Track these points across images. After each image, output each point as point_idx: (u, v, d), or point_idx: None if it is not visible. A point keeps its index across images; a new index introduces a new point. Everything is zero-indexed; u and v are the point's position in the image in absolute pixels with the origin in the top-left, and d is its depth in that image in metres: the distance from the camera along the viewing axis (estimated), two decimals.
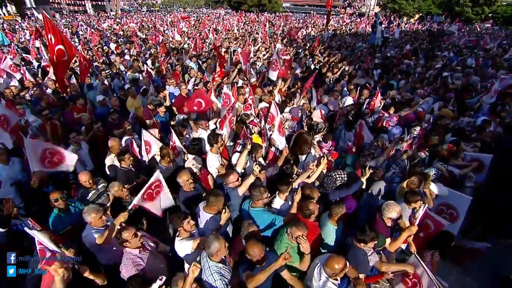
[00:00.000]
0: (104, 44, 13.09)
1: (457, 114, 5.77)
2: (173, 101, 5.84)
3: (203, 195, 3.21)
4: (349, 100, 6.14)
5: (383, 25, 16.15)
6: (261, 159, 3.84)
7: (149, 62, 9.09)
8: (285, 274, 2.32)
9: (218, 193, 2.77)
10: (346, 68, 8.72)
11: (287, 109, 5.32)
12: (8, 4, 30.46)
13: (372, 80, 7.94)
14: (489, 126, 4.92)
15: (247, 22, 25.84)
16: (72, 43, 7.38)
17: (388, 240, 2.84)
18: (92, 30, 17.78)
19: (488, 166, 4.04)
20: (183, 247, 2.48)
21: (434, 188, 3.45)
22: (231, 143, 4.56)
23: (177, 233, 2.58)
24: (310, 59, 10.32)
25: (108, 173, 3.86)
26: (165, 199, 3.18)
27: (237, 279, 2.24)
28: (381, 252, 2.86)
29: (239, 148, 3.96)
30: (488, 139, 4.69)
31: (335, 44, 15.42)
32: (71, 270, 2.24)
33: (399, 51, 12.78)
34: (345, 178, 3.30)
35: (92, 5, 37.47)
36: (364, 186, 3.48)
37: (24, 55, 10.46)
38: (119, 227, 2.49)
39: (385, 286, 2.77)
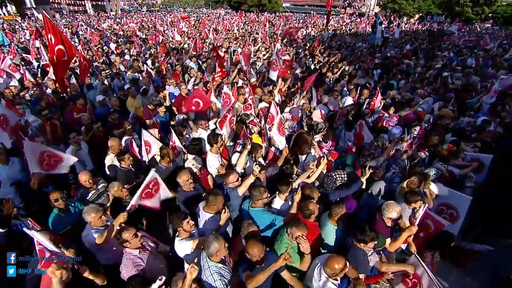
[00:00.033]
0: (104, 44, 13.09)
1: (457, 114, 5.77)
2: (173, 101, 5.85)
3: (203, 195, 3.21)
4: (349, 100, 6.14)
5: (383, 25, 16.14)
6: (261, 159, 3.84)
7: (149, 62, 9.09)
8: (285, 274, 2.32)
9: (217, 193, 2.76)
10: (346, 68, 8.72)
11: (287, 109, 5.32)
12: (8, 4, 30.46)
13: (372, 80, 7.94)
14: (489, 126, 4.92)
15: (247, 22, 25.83)
16: (72, 43, 7.38)
17: (388, 240, 2.84)
18: (92, 30, 17.78)
19: (488, 166, 4.04)
20: (183, 247, 2.48)
21: (434, 188, 3.45)
22: (231, 143, 4.56)
23: (177, 233, 2.58)
24: (310, 59, 10.32)
25: (108, 173, 3.86)
26: (164, 193, 3.20)
27: (237, 279, 2.23)
28: (381, 252, 2.85)
29: (239, 148, 3.96)
30: (488, 139, 4.69)
31: (335, 44, 15.42)
32: (71, 270, 2.25)
33: (399, 51, 12.77)
34: (345, 178, 3.30)
35: (92, 5, 37.47)
36: (364, 186, 3.48)
37: (24, 55, 10.46)
38: (118, 228, 2.49)
39: (385, 286, 2.77)
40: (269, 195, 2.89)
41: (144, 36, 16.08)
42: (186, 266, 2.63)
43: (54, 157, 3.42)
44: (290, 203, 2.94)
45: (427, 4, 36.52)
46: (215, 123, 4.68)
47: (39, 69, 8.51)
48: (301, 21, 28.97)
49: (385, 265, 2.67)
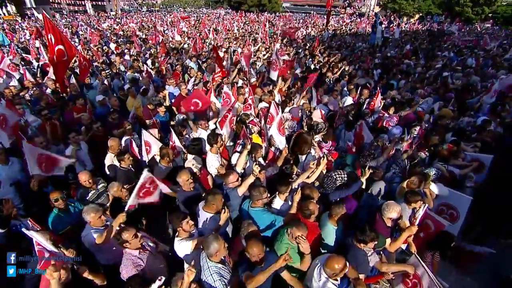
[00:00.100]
0: (104, 44, 13.09)
1: (457, 114, 5.77)
2: (173, 101, 5.84)
3: (203, 195, 3.21)
4: (349, 100, 6.13)
5: (383, 25, 16.13)
6: (261, 159, 3.84)
7: (149, 62, 9.09)
8: (285, 274, 2.32)
9: (216, 192, 2.76)
10: (346, 68, 8.72)
11: (287, 109, 5.32)
12: (8, 4, 30.47)
13: (372, 80, 7.94)
14: (489, 126, 4.92)
15: (247, 22, 25.83)
16: (72, 43, 7.38)
17: (388, 241, 2.83)
18: (92, 30, 17.79)
19: (488, 166, 4.04)
20: (183, 247, 2.48)
21: (434, 188, 3.45)
22: (231, 143, 4.55)
23: (177, 233, 2.58)
24: (310, 59, 10.32)
25: (108, 173, 3.86)
26: (164, 188, 3.21)
27: (237, 279, 2.23)
28: (381, 252, 2.85)
29: (239, 148, 3.96)
30: (488, 139, 4.69)
31: (335, 44, 15.42)
32: (71, 270, 2.25)
33: (399, 51, 12.77)
34: (345, 178, 3.30)
35: (92, 5, 37.47)
36: (364, 186, 3.48)
37: (24, 55, 10.46)
38: (118, 228, 2.49)
39: (385, 286, 2.77)
40: (269, 195, 2.88)
41: (144, 36, 16.08)
42: (186, 266, 2.63)
43: (51, 159, 3.43)
44: (290, 203, 2.94)
45: (427, 4, 36.52)
46: (215, 123, 4.68)
47: (38, 69, 8.50)
48: (301, 21, 28.98)
49: (385, 265, 2.67)
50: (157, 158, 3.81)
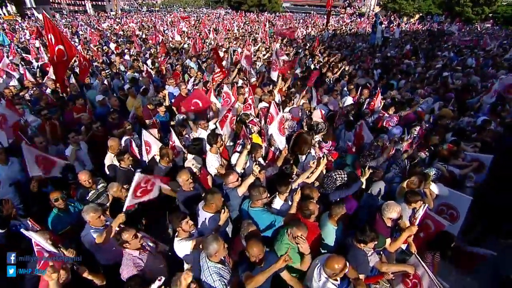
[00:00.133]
0: (104, 44, 13.09)
1: (457, 114, 5.77)
2: (172, 101, 5.84)
3: (202, 195, 3.21)
4: (349, 100, 6.13)
5: (383, 25, 16.12)
6: (260, 159, 3.84)
7: (149, 62, 9.09)
8: (285, 275, 2.32)
9: (215, 191, 2.76)
10: (346, 68, 8.72)
11: (287, 109, 5.32)
12: (8, 4, 30.47)
13: (372, 80, 7.94)
14: (489, 126, 4.92)
15: (247, 22, 25.83)
16: (72, 43, 7.37)
17: (388, 241, 2.83)
18: (92, 30, 17.79)
19: (488, 166, 4.04)
20: (182, 247, 2.48)
21: (434, 188, 3.44)
22: (231, 143, 4.55)
23: (176, 233, 2.58)
24: (310, 59, 10.32)
25: (108, 173, 3.86)
26: (160, 184, 3.21)
27: (236, 279, 2.23)
28: (381, 252, 2.85)
29: (239, 148, 3.96)
30: (488, 139, 4.68)
31: (335, 44, 15.41)
32: (70, 270, 2.25)
33: (399, 51, 12.77)
34: (345, 178, 3.29)
35: (92, 5, 37.46)
36: (364, 186, 3.48)
37: (24, 55, 10.46)
38: (118, 229, 2.49)
39: (385, 286, 2.77)
40: (268, 195, 2.88)
41: (144, 36, 16.08)
42: (185, 266, 2.63)
43: (48, 160, 3.44)
44: (290, 203, 2.93)
45: (427, 4, 36.52)
46: (215, 123, 4.68)
47: (38, 69, 8.50)
48: (301, 21, 28.96)
49: (385, 265, 2.67)
50: (157, 158, 3.81)
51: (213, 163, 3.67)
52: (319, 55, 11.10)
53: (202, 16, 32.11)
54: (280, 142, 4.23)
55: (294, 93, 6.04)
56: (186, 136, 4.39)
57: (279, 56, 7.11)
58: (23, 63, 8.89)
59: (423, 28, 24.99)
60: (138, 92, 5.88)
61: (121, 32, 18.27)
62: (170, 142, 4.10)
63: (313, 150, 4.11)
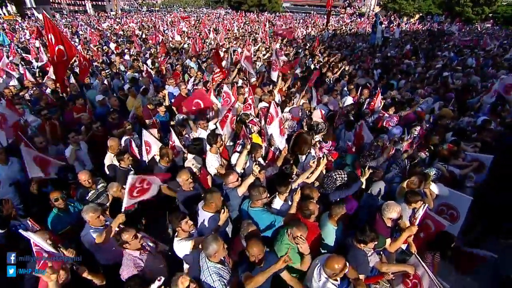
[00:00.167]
0: (104, 44, 13.09)
1: (457, 114, 5.76)
2: (172, 100, 5.84)
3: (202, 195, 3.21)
4: (349, 100, 6.13)
5: (383, 25, 16.11)
6: (260, 159, 3.84)
7: (149, 62, 9.09)
8: (285, 275, 2.31)
9: (214, 190, 2.77)
10: (346, 68, 8.72)
11: (287, 109, 5.32)
12: (8, 4, 30.46)
13: (372, 80, 7.94)
14: (489, 126, 4.92)
15: (247, 22, 25.83)
16: (72, 43, 7.37)
17: (388, 241, 2.83)
18: (92, 30, 17.79)
19: (488, 166, 4.03)
20: (182, 247, 2.48)
21: (434, 188, 3.44)
22: (231, 143, 4.55)
23: (176, 234, 2.58)
24: (310, 59, 10.32)
25: (108, 172, 3.86)
26: (157, 182, 3.19)
27: (236, 279, 2.23)
28: (381, 252, 2.85)
29: (238, 148, 3.95)
30: (489, 139, 4.68)
31: (335, 44, 15.41)
32: (70, 270, 2.24)
33: (399, 51, 12.76)
34: (345, 178, 3.29)
35: (92, 5, 37.45)
36: (364, 186, 3.48)
37: (24, 55, 10.46)
38: (117, 229, 2.48)
39: (386, 286, 2.76)
40: (268, 195, 2.88)
41: (144, 36, 16.08)
42: (185, 266, 2.63)
43: (45, 161, 3.45)
44: (290, 203, 2.93)
45: (427, 4, 36.51)
46: (215, 124, 4.68)
47: (37, 69, 8.50)
48: (301, 21, 28.96)
49: (385, 266, 2.67)
50: (157, 158, 3.80)
51: (213, 163, 3.67)
52: (319, 55, 11.09)
53: (202, 16, 32.11)
54: (280, 142, 4.23)
55: (294, 93, 6.03)
56: (186, 136, 4.39)
57: (279, 56, 7.11)
58: (23, 63, 8.89)
59: (423, 28, 24.98)
60: (138, 92, 5.88)
61: (121, 32, 18.27)
62: (170, 142, 4.10)
63: (313, 150, 4.11)
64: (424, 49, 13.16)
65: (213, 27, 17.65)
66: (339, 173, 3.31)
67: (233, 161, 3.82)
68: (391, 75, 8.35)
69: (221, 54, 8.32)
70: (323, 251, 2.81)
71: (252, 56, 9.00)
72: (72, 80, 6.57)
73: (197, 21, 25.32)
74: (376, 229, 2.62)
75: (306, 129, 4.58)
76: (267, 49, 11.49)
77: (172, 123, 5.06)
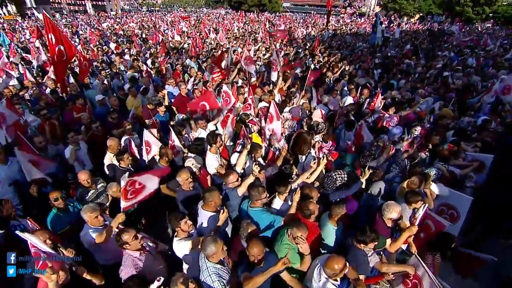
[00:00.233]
0: (104, 44, 13.08)
1: (457, 114, 5.76)
2: (172, 100, 5.84)
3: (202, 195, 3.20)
4: (349, 100, 6.12)
5: (383, 25, 16.10)
6: (260, 159, 3.83)
7: (149, 62, 9.09)
8: (284, 275, 2.31)
9: (212, 189, 2.77)
10: (346, 68, 8.71)
11: (287, 109, 5.31)
12: (8, 4, 30.46)
13: (373, 79, 7.93)
14: (489, 125, 4.91)
15: (247, 22, 25.82)
16: (72, 42, 7.37)
17: (388, 241, 2.83)
18: (92, 30, 17.78)
19: (489, 166, 4.03)
20: (181, 247, 2.48)
21: (434, 188, 3.43)
22: (231, 143, 4.55)
23: (175, 234, 2.57)
24: (310, 59, 10.31)
25: (107, 172, 3.86)
26: (152, 181, 3.08)
27: (236, 279, 2.23)
28: (381, 252, 2.84)
29: (238, 148, 3.95)
30: (489, 139, 4.68)
31: (335, 44, 15.40)
32: (69, 270, 2.24)
33: (399, 51, 12.75)
34: (345, 178, 3.29)
35: (92, 5, 37.42)
36: (364, 186, 3.47)
37: (24, 55, 10.46)
38: (117, 229, 2.48)
39: (386, 287, 2.75)
40: (268, 195, 2.87)
41: (144, 36, 16.08)
42: (185, 266, 2.63)
43: (39, 162, 3.46)
44: (289, 203, 2.93)
45: (428, 4, 36.48)
46: (215, 124, 4.68)
47: (36, 69, 8.49)
48: (301, 21, 28.94)
49: (386, 266, 2.66)
50: (157, 158, 3.80)
51: (213, 163, 3.67)
52: (319, 55, 11.08)
53: (202, 16, 32.11)
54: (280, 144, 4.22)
55: (294, 93, 6.03)
56: (186, 135, 4.39)
57: (279, 55, 7.10)
58: (22, 62, 8.88)
59: (424, 28, 24.96)
60: (138, 91, 5.87)
61: (121, 32, 18.26)
62: (170, 142, 4.09)
63: (313, 150, 4.10)
64: (424, 49, 13.14)
65: (213, 27, 17.60)
66: (339, 173, 3.30)
67: (233, 161, 3.81)
68: (391, 75, 8.34)
69: (219, 53, 8.31)
70: (323, 251, 2.81)
71: (252, 56, 9.01)
72: (72, 80, 6.57)
73: (197, 21, 25.31)
74: (376, 229, 2.62)
75: (306, 129, 4.57)
76: (267, 49, 11.48)
77: (172, 123, 5.06)
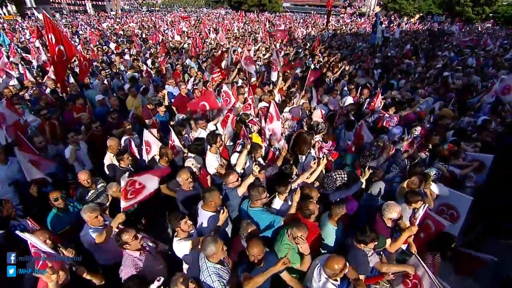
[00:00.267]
0: (104, 44, 13.08)
1: (457, 114, 5.76)
2: (172, 100, 5.84)
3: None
4: (349, 100, 6.13)
5: (383, 25, 16.09)
6: (260, 159, 3.83)
7: (149, 62, 9.09)
8: (284, 275, 2.31)
9: (212, 188, 2.77)
10: (346, 68, 8.71)
11: (287, 109, 5.31)
12: (8, 4, 30.46)
13: (373, 79, 7.93)
14: (489, 125, 4.91)
15: (247, 22, 25.82)
16: (72, 42, 7.37)
17: (388, 241, 2.83)
18: (92, 30, 17.78)
19: (489, 166, 4.03)
20: (181, 247, 2.48)
21: (434, 188, 3.43)
22: (231, 143, 4.55)
23: (175, 234, 2.57)
24: (310, 59, 10.32)
25: (107, 172, 3.86)
26: (151, 181, 3.06)
27: (236, 279, 2.23)
28: (381, 252, 2.84)
29: (238, 148, 3.95)
30: (489, 139, 4.68)
31: (335, 44, 15.40)
32: (69, 270, 2.24)
33: (399, 51, 12.75)
34: (345, 178, 3.29)
35: (92, 5, 37.42)
36: (364, 186, 3.47)
37: (24, 55, 10.46)
38: (117, 230, 2.48)
39: (386, 287, 2.76)
40: (268, 195, 2.87)
41: (144, 36, 16.08)
42: (184, 266, 2.63)
43: (39, 162, 3.46)
44: (289, 203, 2.93)
45: (428, 4, 36.48)
46: (215, 124, 4.68)
47: (34, 70, 8.49)
48: (301, 21, 28.95)
49: (386, 266, 2.66)
50: (157, 158, 3.80)
51: (213, 163, 3.67)
52: (319, 55, 11.08)
53: (202, 16, 32.11)
54: (279, 141, 4.22)
55: (294, 93, 6.03)
56: (186, 135, 4.39)
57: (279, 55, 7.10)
58: (23, 62, 8.88)
59: (424, 28, 24.96)
60: (138, 91, 5.87)
61: (121, 32, 18.27)
62: (170, 142, 4.09)
63: (313, 150, 4.10)
64: (425, 49, 13.14)
65: (213, 27, 17.60)
66: (339, 173, 3.30)
67: (233, 161, 3.81)
68: (391, 75, 8.34)
69: (220, 53, 8.31)
70: (323, 251, 2.81)
71: (252, 56, 9.00)
72: (72, 80, 6.57)
73: (197, 21, 25.31)
74: (376, 229, 2.62)
75: (306, 129, 4.57)
76: (267, 49, 11.48)
77: (172, 123, 5.06)
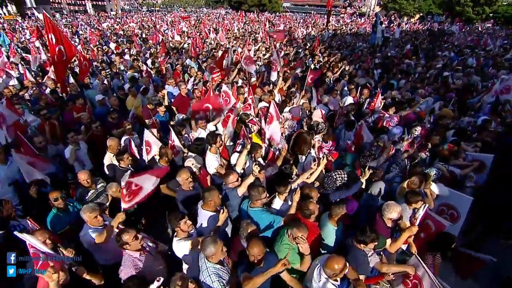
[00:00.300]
0: (104, 44, 13.08)
1: (457, 114, 5.76)
2: (172, 100, 5.84)
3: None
4: (349, 100, 6.12)
5: (383, 25, 16.09)
6: (260, 159, 3.83)
7: (149, 62, 9.09)
8: (284, 275, 2.31)
9: (211, 188, 2.77)
10: (346, 68, 8.71)
11: (287, 109, 5.31)
12: (8, 4, 30.47)
13: (373, 79, 7.93)
14: (489, 125, 4.91)
15: (247, 22, 25.82)
16: (72, 42, 7.36)
17: (388, 241, 2.82)
18: (92, 30, 17.79)
19: (489, 166, 4.03)
20: (181, 247, 2.48)
21: (435, 188, 3.43)
22: (231, 143, 4.55)
23: (175, 234, 2.57)
24: (310, 59, 10.31)
25: (107, 172, 3.86)
26: (149, 182, 2.99)
27: (236, 279, 2.23)
28: (381, 253, 2.84)
29: (238, 148, 3.95)
30: (489, 139, 4.68)
31: (335, 44, 15.40)
32: (69, 271, 2.24)
33: (399, 51, 12.75)
34: (345, 178, 3.28)
35: (92, 5, 37.43)
36: (364, 186, 3.47)
37: (24, 55, 10.45)
38: (117, 230, 2.48)
39: (386, 287, 2.75)
40: (268, 195, 2.87)
41: (144, 36, 16.08)
42: (184, 266, 2.63)
43: (37, 164, 3.47)
44: (289, 203, 2.92)
45: (428, 4, 36.48)
46: (215, 125, 4.68)
47: (36, 69, 8.48)
48: (301, 21, 28.95)
49: (386, 266, 2.66)
50: (157, 158, 3.80)
51: (213, 163, 3.67)
52: (319, 55, 11.07)
53: (202, 16, 32.11)
54: (280, 138, 4.21)
55: (294, 93, 6.03)
56: (186, 135, 4.39)
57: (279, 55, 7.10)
58: (22, 62, 8.88)
59: (424, 28, 24.97)
60: (138, 91, 5.87)
61: (121, 32, 18.27)
62: (170, 142, 4.09)
63: (313, 150, 4.10)
64: (425, 49, 13.15)
65: (213, 27, 17.60)
66: (339, 173, 3.30)
67: (233, 161, 3.81)
68: (391, 75, 8.34)
69: (221, 53, 8.32)
70: (323, 251, 2.81)
71: (252, 56, 8.99)
72: (72, 80, 6.56)
73: (197, 21, 25.31)
74: (376, 229, 2.61)
75: (306, 129, 4.57)
76: (267, 49, 11.47)
77: (172, 123, 5.06)
